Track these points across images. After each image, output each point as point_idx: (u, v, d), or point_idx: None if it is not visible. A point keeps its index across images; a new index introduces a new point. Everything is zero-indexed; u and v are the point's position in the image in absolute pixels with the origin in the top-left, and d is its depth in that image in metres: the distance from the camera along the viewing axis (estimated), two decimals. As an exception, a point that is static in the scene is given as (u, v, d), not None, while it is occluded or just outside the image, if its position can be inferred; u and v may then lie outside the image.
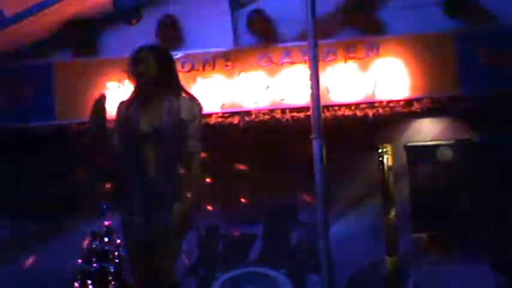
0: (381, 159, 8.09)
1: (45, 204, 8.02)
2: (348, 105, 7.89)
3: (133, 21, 8.13)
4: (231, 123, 7.96)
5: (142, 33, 8.03)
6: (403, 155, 8.18)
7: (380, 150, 8.10)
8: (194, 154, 4.19)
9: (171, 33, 8.15)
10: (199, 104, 4.28)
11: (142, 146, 4.13)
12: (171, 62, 4.35)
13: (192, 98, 4.33)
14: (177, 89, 4.31)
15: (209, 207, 8.00)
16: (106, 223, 7.38)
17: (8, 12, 6.72)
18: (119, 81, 8.09)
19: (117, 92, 8.07)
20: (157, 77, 4.22)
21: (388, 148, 8.11)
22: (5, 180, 8.07)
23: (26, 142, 7.95)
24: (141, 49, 4.29)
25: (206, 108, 7.88)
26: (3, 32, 7.05)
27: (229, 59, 8.05)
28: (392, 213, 7.98)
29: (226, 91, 8.02)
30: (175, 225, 4.00)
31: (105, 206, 7.39)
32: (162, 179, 4.08)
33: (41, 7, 6.83)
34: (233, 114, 8.01)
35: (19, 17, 6.83)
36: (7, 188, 8.06)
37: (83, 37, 8.16)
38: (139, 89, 4.28)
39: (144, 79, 4.24)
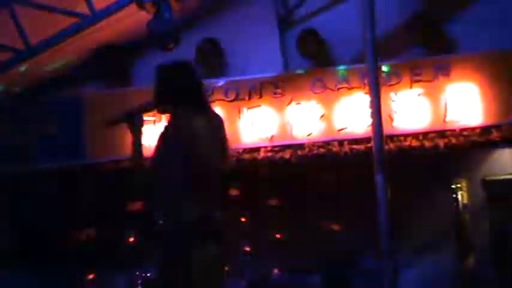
0: (454, 196, 8.02)
1: (74, 253, 8.13)
2: (414, 135, 7.85)
3: (170, 47, 8.26)
4: (281, 158, 7.98)
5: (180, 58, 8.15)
6: (481, 191, 8.08)
7: (453, 186, 8.03)
8: None
9: (212, 58, 8.26)
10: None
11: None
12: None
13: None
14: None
15: (257, 252, 8.02)
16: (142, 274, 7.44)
17: (33, 40, 6.91)
18: (154, 114, 8.19)
19: (153, 127, 8.20)
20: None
21: (463, 183, 8.03)
22: (32, 225, 8.23)
23: (53, 184, 8.10)
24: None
25: (253, 142, 8.13)
26: (28, 62, 7.25)
27: (278, 86, 8.11)
28: (471, 259, 7.87)
29: (276, 122, 8.07)
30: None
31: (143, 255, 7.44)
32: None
33: (67, 34, 7.01)
34: (284, 148, 8.03)
35: (44, 46, 7.02)
36: (34, 234, 8.22)
37: (114, 66, 8.32)
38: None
39: None
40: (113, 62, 8.31)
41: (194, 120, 4.21)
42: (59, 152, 8.24)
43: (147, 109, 4.43)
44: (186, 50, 8.21)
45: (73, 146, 8.24)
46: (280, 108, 8.07)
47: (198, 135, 4.15)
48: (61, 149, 8.23)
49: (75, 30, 7.05)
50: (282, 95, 8.10)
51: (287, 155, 8.00)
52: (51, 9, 6.65)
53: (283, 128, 8.04)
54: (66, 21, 6.93)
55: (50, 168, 8.15)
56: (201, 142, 4.16)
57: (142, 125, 4.41)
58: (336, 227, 8.08)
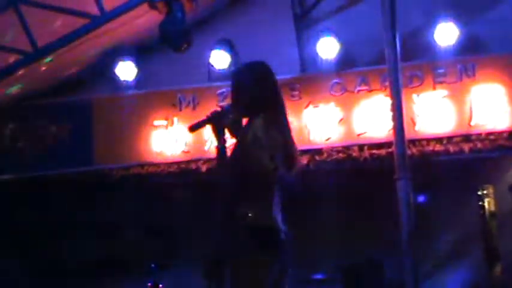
0: (481, 203, 7.96)
1: (83, 263, 8.17)
2: (438, 139, 7.83)
3: (182, 48, 8.28)
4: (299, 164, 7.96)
5: (193, 60, 8.18)
6: (509, 198, 8.04)
7: (479, 193, 7.97)
8: None
9: (227, 59, 8.26)
10: None
11: None
12: None
13: None
14: None
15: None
16: (149, 284, 7.45)
17: (40, 42, 6.94)
18: (166, 118, 8.25)
19: (165, 132, 8.22)
20: None
21: (490, 190, 7.98)
22: (39, 235, 8.28)
23: (61, 191, 8.14)
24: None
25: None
26: (36, 65, 7.28)
27: (295, 88, 8.13)
28: (498, 269, 7.82)
29: (293, 126, 8.00)
30: None
31: (153, 266, 7.45)
32: None
33: (75, 35, 7.03)
34: (301, 153, 7.98)
35: (52, 48, 7.04)
36: (42, 244, 8.27)
37: (124, 68, 8.34)
38: None
39: None
40: (121, 65, 8.31)
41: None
42: (68, 158, 8.28)
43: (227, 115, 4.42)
44: (199, 52, 8.25)
45: (81, 151, 8.27)
46: (297, 112, 8.06)
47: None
48: (69, 155, 8.28)
49: (84, 31, 7.06)
50: (299, 97, 8.12)
51: (305, 160, 7.97)
52: (59, 10, 6.67)
53: (300, 133, 8.02)
54: (75, 23, 6.94)
55: (57, 175, 8.19)
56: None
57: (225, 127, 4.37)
58: (355, 235, 8.04)
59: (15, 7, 6.59)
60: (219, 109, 4.45)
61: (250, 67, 4.47)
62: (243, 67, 4.59)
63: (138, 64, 8.36)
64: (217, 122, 4.37)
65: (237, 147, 4.27)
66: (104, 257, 8.23)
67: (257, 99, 4.30)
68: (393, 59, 6.27)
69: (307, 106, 8.08)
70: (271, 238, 4.14)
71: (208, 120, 4.39)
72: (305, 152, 7.98)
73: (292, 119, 7.89)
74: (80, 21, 6.91)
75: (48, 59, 7.28)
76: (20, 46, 6.91)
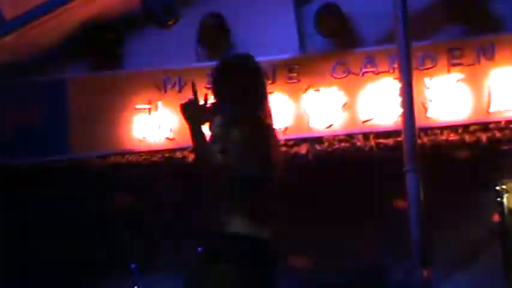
0: (499, 199, 7.97)
1: (61, 262, 8.14)
2: (452, 128, 7.81)
3: (168, 24, 8.24)
4: (296, 154, 7.95)
5: (180, 38, 8.14)
6: (530, 193, 8.05)
7: (498, 188, 7.98)
8: None
9: (217, 37, 8.22)
10: None
11: None
12: None
13: None
14: None
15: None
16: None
17: (8, 15, 6.89)
18: (149, 102, 8.21)
19: (147, 117, 8.18)
20: None
21: (509, 184, 7.99)
22: (14, 231, 8.24)
23: (33, 183, 8.10)
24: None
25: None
26: (2, 40, 7.24)
27: (293, 70, 8.08)
28: (517, 271, 7.86)
29: (290, 111, 8.03)
30: None
31: (133, 266, 7.44)
32: None
33: (48, 7, 6.98)
34: (300, 141, 8.01)
35: (21, 21, 6.99)
36: (17, 240, 8.23)
37: (102, 45, 8.29)
38: None
39: None
40: (101, 41, 8.26)
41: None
42: (39, 145, 8.24)
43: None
44: (187, 28, 8.21)
45: (55, 137, 8.22)
46: (295, 96, 8.04)
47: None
48: (41, 142, 8.23)
49: (57, 3, 7.02)
50: (298, 80, 8.07)
51: (303, 149, 7.99)
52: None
53: (299, 119, 8.01)
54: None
55: (26, 165, 8.15)
56: None
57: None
58: (359, 234, 8.04)
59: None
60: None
61: (241, 60, 4.52)
62: (227, 61, 4.62)
63: (117, 41, 8.30)
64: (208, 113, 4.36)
65: (224, 147, 4.25)
66: (80, 255, 8.20)
67: (245, 94, 4.36)
68: (403, 37, 6.25)
69: (306, 90, 8.04)
70: (252, 248, 4.18)
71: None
72: (304, 140, 7.97)
73: (289, 104, 8.00)
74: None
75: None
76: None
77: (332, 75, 8.05)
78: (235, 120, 4.29)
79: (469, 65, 7.88)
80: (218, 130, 4.31)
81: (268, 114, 4.44)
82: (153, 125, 8.19)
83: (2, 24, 6.86)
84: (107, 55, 8.33)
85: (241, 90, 4.37)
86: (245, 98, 4.38)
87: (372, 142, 7.88)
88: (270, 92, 7.83)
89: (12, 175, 8.11)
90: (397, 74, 6.78)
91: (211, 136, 4.38)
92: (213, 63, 7.86)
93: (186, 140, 7.84)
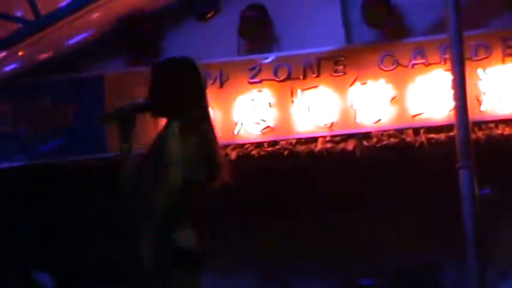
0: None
1: (96, 265, 8.22)
2: (508, 121, 7.75)
3: (208, 16, 8.29)
4: (343, 150, 7.95)
5: (220, 30, 8.18)
6: None
7: (557, 185, 7.90)
8: None
9: (259, 29, 8.25)
10: None
11: None
12: None
13: None
14: None
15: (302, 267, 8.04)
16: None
17: (44, 11, 6.98)
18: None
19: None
20: None
21: None
22: (41, 233, 8.34)
23: (67, 182, 8.18)
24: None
25: (309, 131, 8.10)
26: (37, 37, 7.32)
27: (339, 62, 8.08)
28: None
29: (337, 106, 8.03)
30: None
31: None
32: None
33: (84, 2, 7.06)
34: (346, 137, 8.00)
35: (57, 16, 7.07)
36: (43, 243, 8.33)
37: (140, 39, 8.35)
38: None
39: None
40: (140, 35, 8.32)
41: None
42: (76, 144, 8.31)
43: (140, 109, 4.50)
44: (228, 20, 8.25)
45: (92, 136, 8.30)
46: (341, 90, 8.03)
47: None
48: (78, 140, 8.30)
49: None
50: (344, 73, 8.07)
51: (350, 146, 7.97)
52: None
53: (346, 114, 8.00)
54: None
55: (62, 163, 8.23)
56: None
57: (133, 126, 4.45)
58: (409, 234, 8.02)
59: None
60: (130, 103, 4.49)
61: (173, 63, 4.52)
62: (165, 62, 4.63)
63: (156, 36, 8.35)
64: (124, 117, 4.43)
65: (150, 158, 4.33)
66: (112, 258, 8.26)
67: (176, 101, 4.37)
68: (455, 26, 6.21)
69: (353, 83, 8.03)
70: (190, 259, 4.26)
71: (122, 114, 4.42)
72: (351, 136, 7.96)
73: (335, 98, 8.00)
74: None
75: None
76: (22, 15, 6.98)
77: (380, 68, 8.03)
78: (194, 129, 4.31)
79: (527, 55, 7.83)
80: (173, 146, 4.26)
81: (207, 120, 4.45)
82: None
83: (38, 20, 6.94)
84: (146, 49, 8.37)
85: (177, 92, 4.39)
86: (182, 99, 4.38)
87: (423, 137, 7.84)
88: (315, 86, 8.01)
89: (47, 174, 8.20)
90: (448, 65, 6.74)
91: (152, 148, 4.39)
92: (255, 57, 8.11)
93: (229, 137, 8.01)
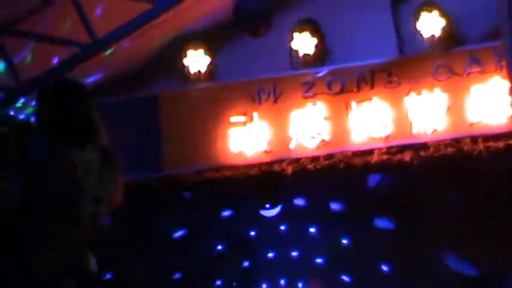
0: None
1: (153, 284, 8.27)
2: None
3: (260, 32, 8.31)
4: (400, 162, 7.91)
5: (273, 46, 8.18)
6: None
7: None
8: None
9: (312, 43, 8.24)
10: None
11: None
12: None
13: None
14: None
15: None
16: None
17: (100, 33, 7.05)
18: (245, 113, 8.25)
19: (243, 129, 8.23)
20: None
21: None
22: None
23: (129, 200, 8.22)
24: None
25: (365, 143, 8.06)
26: (96, 59, 7.40)
27: (392, 73, 8.05)
28: None
29: (392, 117, 7.99)
30: None
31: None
32: None
33: (137, 24, 7.12)
34: (403, 148, 7.96)
35: (112, 39, 7.14)
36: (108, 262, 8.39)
37: (194, 58, 8.39)
38: None
39: None
40: (190, 54, 8.36)
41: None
42: (131, 163, 8.35)
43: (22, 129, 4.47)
44: (279, 36, 8.25)
45: (148, 155, 8.34)
46: (396, 101, 8.01)
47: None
48: (133, 160, 8.34)
49: (147, 18, 7.15)
50: (398, 83, 8.04)
51: (407, 157, 7.94)
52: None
53: (401, 125, 7.97)
54: (137, 10, 7.05)
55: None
56: None
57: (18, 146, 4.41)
58: (470, 245, 7.94)
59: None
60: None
61: (56, 85, 4.50)
62: (51, 83, 4.61)
63: (209, 53, 8.38)
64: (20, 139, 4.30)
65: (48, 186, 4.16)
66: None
67: (57, 121, 4.31)
68: (510, 32, 6.13)
69: (407, 93, 8.00)
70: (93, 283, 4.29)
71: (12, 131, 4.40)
72: (407, 147, 7.93)
73: (390, 110, 7.96)
74: (143, 7, 7.00)
75: (109, 50, 7.38)
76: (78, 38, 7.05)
77: (434, 77, 7.99)
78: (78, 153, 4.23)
79: None
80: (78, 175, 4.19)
81: (101, 140, 4.43)
82: (250, 137, 8.21)
83: (95, 42, 7.01)
84: (199, 67, 8.40)
85: (68, 114, 4.34)
86: (72, 122, 4.33)
87: (481, 146, 7.76)
88: (369, 99, 7.96)
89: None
90: (505, 72, 6.68)
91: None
92: (308, 71, 8.10)
93: (284, 152, 8.01)
